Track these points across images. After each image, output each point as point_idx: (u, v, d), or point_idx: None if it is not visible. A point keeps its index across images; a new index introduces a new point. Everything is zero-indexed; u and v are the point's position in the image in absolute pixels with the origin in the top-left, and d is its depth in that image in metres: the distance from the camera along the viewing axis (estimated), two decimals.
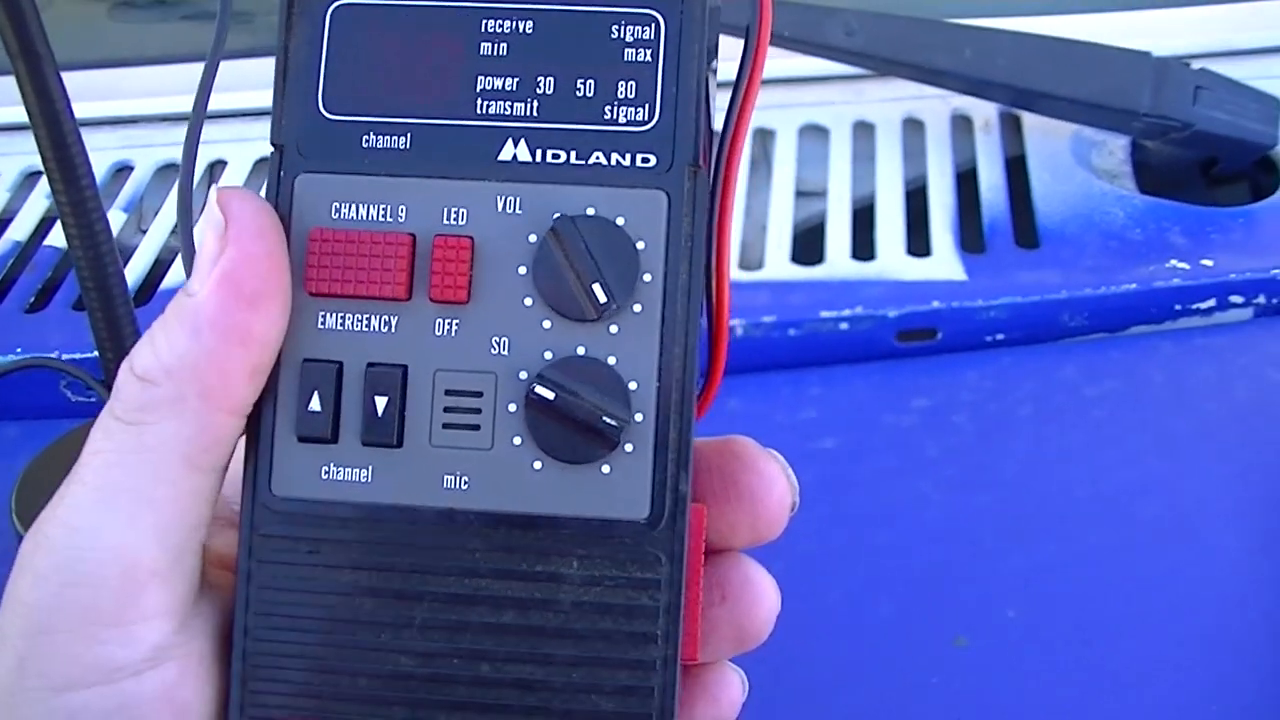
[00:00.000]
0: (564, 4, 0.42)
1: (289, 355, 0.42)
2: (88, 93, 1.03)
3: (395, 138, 0.42)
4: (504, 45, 0.42)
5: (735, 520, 0.43)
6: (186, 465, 0.40)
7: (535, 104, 0.42)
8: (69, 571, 0.39)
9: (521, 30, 0.42)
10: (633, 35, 0.42)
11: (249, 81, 0.91)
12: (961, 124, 0.99)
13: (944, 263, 0.87)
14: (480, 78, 0.42)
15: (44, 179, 0.98)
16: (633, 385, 0.41)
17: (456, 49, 0.42)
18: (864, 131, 0.99)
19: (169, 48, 1.10)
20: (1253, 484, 0.74)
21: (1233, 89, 0.90)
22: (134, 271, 0.92)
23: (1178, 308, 0.85)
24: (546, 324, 0.41)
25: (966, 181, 0.94)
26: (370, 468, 0.41)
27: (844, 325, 0.84)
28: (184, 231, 0.46)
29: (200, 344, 0.39)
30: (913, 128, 0.98)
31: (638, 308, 0.41)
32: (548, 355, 0.41)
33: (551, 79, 0.42)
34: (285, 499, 0.42)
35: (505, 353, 0.41)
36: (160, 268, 0.93)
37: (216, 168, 1.00)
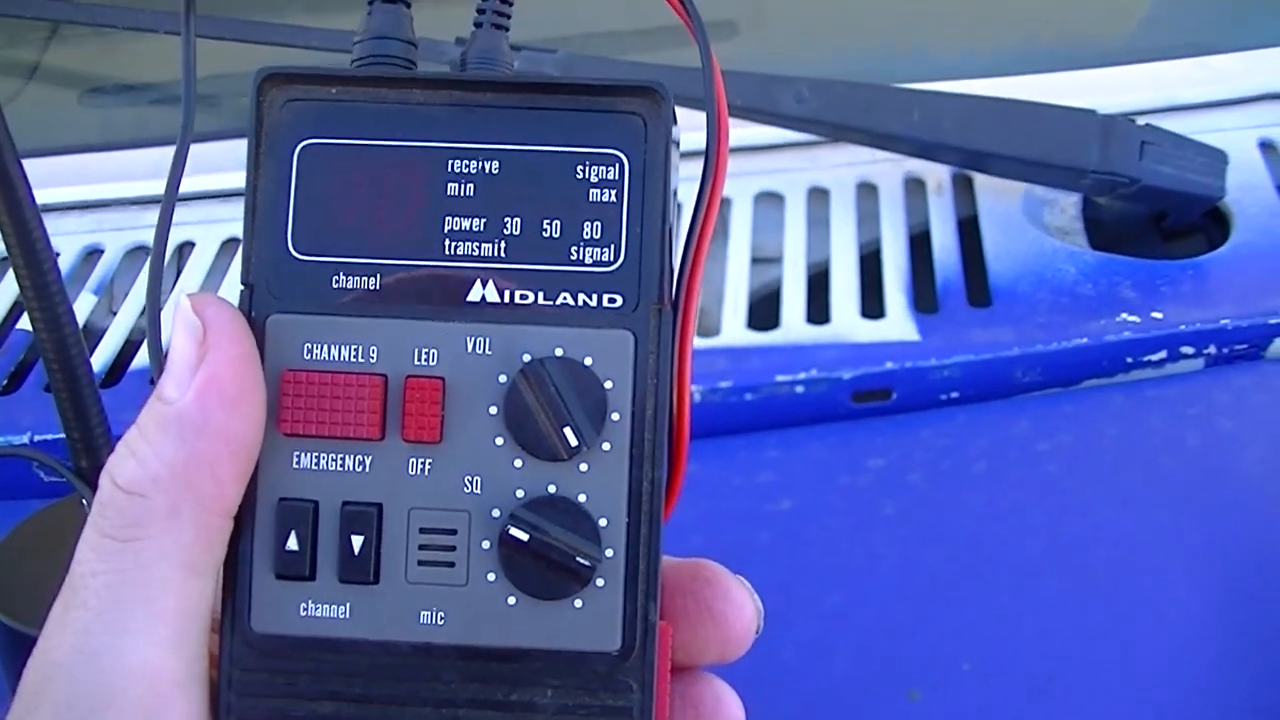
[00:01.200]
0: (529, 144, 0.42)
1: (265, 494, 0.42)
2: (59, 177, 1.05)
3: (365, 278, 0.42)
4: (471, 185, 0.42)
5: (704, 642, 0.44)
6: (188, 572, 0.40)
7: (503, 245, 0.42)
8: (94, 697, 0.38)
9: (488, 170, 0.42)
10: (597, 175, 0.42)
11: (216, 164, 0.92)
12: (914, 186, 1.00)
13: (898, 324, 0.88)
14: (448, 218, 0.42)
15: None
16: (603, 522, 0.41)
17: (424, 189, 0.42)
18: (818, 197, 1.00)
19: (138, 132, 1.12)
20: (1206, 533, 0.75)
21: (1178, 143, 0.92)
22: (105, 353, 0.93)
23: (1129, 360, 0.86)
24: (518, 463, 0.42)
25: (920, 243, 0.96)
26: (348, 604, 0.42)
27: (799, 388, 0.85)
28: (152, 326, 0.46)
29: (188, 449, 0.39)
30: (866, 192, 1.00)
31: (606, 446, 0.42)
32: (520, 494, 0.42)
33: (518, 219, 0.42)
34: (264, 635, 0.42)
35: (478, 491, 0.42)
36: (130, 349, 0.94)
37: (185, 249, 1.01)
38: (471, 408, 0.42)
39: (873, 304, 0.90)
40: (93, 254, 1.03)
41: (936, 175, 1.00)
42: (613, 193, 0.42)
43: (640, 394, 0.42)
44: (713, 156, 0.43)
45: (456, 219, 0.42)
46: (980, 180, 0.99)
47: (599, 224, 0.42)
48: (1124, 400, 0.85)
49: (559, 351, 0.42)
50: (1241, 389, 0.85)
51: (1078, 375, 0.86)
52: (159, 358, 0.45)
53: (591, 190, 0.42)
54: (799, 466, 0.82)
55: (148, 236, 1.03)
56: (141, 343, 0.94)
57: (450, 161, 0.42)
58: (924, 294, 0.91)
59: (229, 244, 1.01)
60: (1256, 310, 0.87)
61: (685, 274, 0.43)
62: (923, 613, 0.73)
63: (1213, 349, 0.87)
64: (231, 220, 1.02)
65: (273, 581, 0.42)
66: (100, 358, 0.92)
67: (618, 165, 0.42)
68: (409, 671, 0.42)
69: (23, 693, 0.39)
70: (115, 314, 0.98)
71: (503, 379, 0.42)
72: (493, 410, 0.42)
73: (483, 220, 0.42)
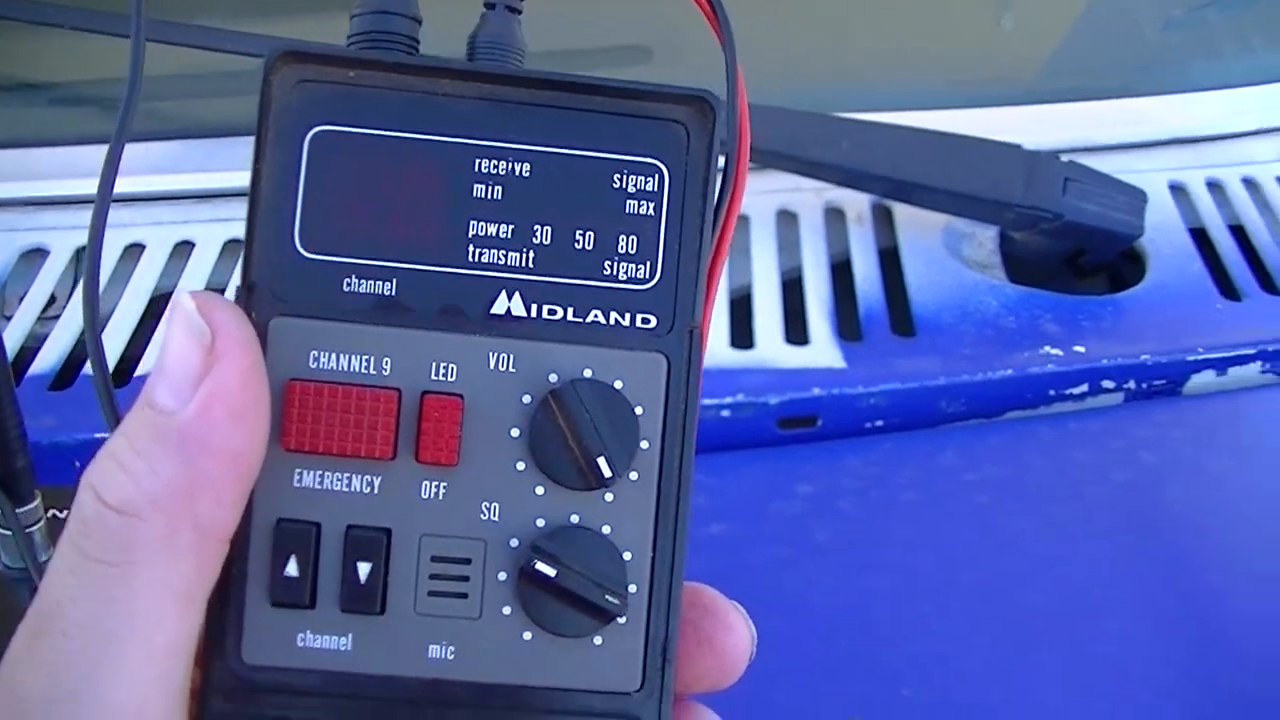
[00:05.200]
0: (564, 147, 0.40)
1: (262, 514, 0.39)
2: None
3: (379, 283, 0.39)
4: (499, 188, 0.40)
5: (701, 672, 0.42)
6: (182, 603, 0.36)
7: (531, 254, 0.40)
8: None
9: (518, 173, 0.40)
10: (635, 186, 0.40)
11: (135, 166, 0.89)
12: (834, 216, 1.00)
13: (822, 351, 0.87)
14: (472, 222, 0.40)
15: None
16: (628, 556, 0.39)
17: (447, 189, 0.39)
18: (739, 223, 0.99)
19: (35, 132, 1.08)
20: (1132, 563, 0.76)
21: (1100, 181, 0.93)
22: None
23: (1052, 393, 0.87)
24: (539, 490, 0.39)
25: (841, 272, 0.95)
26: (350, 635, 0.39)
27: (725, 413, 0.84)
28: (91, 331, 0.42)
29: (192, 468, 0.36)
30: (786, 220, 0.99)
31: (634, 475, 0.39)
32: (540, 523, 0.39)
33: (549, 228, 0.40)
34: (255, 667, 0.39)
35: (496, 519, 0.39)
36: (26, 355, 0.90)
37: (134, 250, 0.97)
38: (492, 429, 0.39)
39: (796, 331, 0.89)
40: None
41: (856, 206, 0.99)
42: (651, 205, 0.40)
43: (671, 421, 0.40)
44: (732, 169, 0.40)
45: (482, 223, 0.40)
46: (900, 212, 0.99)
47: (635, 238, 0.40)
48: (1048, 432, 0.85)
49: (588, 373, 0.39)
50: (1161, 424, 0.85)
51: (1002, 407, 0.86)
52: (102, 366, 0.41)
53: (629, 201, 0.40)
54: (729, 491, 0.80)
55: (43, 238, 0.99)
56: (37, 350, 0.90)
57: (477, 160, 0.40)
58: (847, 322, 0.91)
59: (181, 246, 0.97)
60: (1175, 347, 0.88)
61: (701, 293, 0.41)
62: (861, 639, 0.72)
63: (1132, 384, 0.87)
64: (173, 223, 0.98)
65: (268, 609, 0.39)
66: None
67: (657, 176, 0.40)
68: (413, 708, 0.39)
69: None
70: (9, 319, 0.94)
71: (527, 400, 0.39)
72: (514, 433, 0.39)
73: (510, 226, 0.40)
